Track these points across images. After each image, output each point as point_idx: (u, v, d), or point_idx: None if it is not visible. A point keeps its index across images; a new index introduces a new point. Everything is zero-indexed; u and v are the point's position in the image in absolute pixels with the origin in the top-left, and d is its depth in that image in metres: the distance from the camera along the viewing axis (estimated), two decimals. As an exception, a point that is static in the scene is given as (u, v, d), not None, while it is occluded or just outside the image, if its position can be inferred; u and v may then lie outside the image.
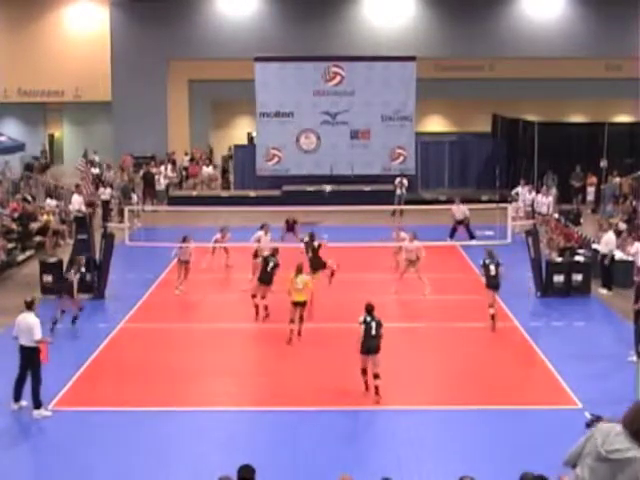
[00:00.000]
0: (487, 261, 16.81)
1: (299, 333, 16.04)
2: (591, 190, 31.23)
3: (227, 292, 19.96)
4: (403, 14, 37.50)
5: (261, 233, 20.02)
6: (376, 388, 12.74)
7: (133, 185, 32.07)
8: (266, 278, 17.21)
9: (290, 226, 23.10)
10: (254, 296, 17.40)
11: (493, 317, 16.47)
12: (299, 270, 16.02)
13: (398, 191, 30.82)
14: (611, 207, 27.03)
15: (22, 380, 12.52)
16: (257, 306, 17.34)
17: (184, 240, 19.82)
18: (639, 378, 12.66)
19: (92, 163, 35.37)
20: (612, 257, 19.61)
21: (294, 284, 15.84)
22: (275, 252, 17.78)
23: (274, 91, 34.67)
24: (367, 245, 22.53)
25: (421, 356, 15.29)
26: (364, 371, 12.86)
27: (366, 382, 12.84)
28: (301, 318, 15.97)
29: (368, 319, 12.91)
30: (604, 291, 19.37)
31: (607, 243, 19.80)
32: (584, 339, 16.16)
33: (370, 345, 12.76)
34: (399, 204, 29.90)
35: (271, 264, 17.19)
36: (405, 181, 31.20)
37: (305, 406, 12.62)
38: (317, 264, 18.50)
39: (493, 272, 16.61)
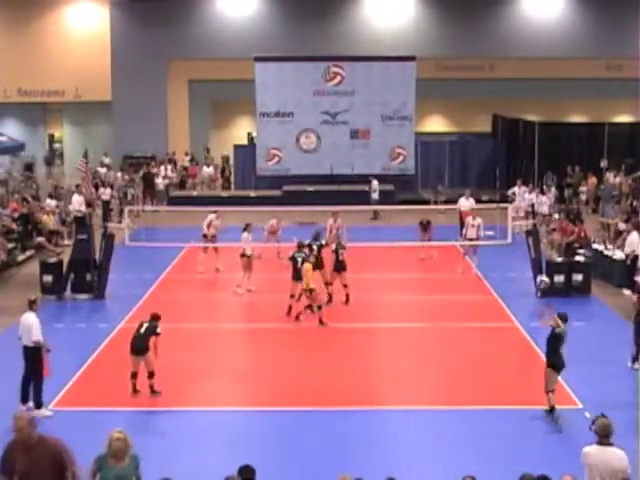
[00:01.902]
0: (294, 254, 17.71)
1: (320, 322, 16.77)
2: (583, 189, 31.14)
3: (229, 292, 19.90)
4: (403, 14, 37.51)
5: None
6: (151, 387, 13.05)
7: (133, 185, 32.10)
8: (298, 275, 17.50)
9: (425, 226, 23.10)
10: (292, 295, 17.57)
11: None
12: (304, 260, 17.03)
13: (375, 195, 30.71)
14: (610, 207, 27.01)
15: (27, 381, 12.46)
16: (291, 306, 17.51)
17: (246, 228, 19.67)
18: None
19: (102, 165, 35.29)
20: (635, 257, 19.08)
21: (305, 271, 16.86)
22: (300, 247, 17.90)
23: (274, 91, 34.72)
24: (367, 245, 22.53)
25: (421, 356, 15.28)
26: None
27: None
28: (309, 307, 16.97)
29: (143, 322, 13.28)
30: (628, 292, 18.53)
31: (630, 244, 19.42)
32: (584, 339, 16.12)
33: (135, 345, 13.00)
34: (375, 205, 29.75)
35: (299, 260, 17.45)
36: (375, 183, 31.01)
37: (305, 406, 12.61)
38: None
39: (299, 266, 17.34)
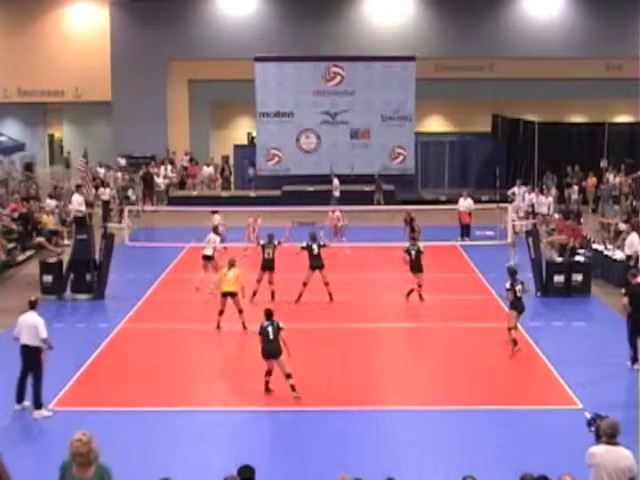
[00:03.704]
0: (409, 248, 18.74)
1: (244, 326, 16.30)
2: (575, 189, 30.93)
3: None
4: (403, 14, 37.54)
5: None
6: (292, 387, 12.78)
7: (133, 185, 32.09)
8: (317, 263, 18.24)
9: (410, 224, 22.82)
10: (305, 284, 18.29)
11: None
12: (231, 265, 16.35)
13: (336, 193, 30.72)
14: (610, 207, 26.98)
15: (24, 380, 12.45)
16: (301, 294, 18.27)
17: (215, 230, 19.83)
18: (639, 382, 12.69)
19: (120, 168, 35.23)
20: (638, 258, 18.80)
21: (225, 276, 16.23)
22: (314, 237, 18.78)
23: (274, 91, 34.73)
24: (366, 245, 22.54)
25: (421, 356, 15.30)
26: (269, 372, 12.90)
27: (267, 382, 12.92)
28: (239, 311, 16.30)
29: (265, 324, 12.92)
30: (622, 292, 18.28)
31: (631, 245, 19.20)
32: (584, 339, 16.17)
33: (269, 349, 12.80)
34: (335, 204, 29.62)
35: (315, 247, 18.25)
36: (337, 181, 31.12)
37: (305, 406, 12.61)
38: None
39: (413, 257, 18.49)
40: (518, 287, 15.18)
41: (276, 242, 18.55)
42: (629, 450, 7.77)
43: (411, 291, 18.41)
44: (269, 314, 13.04)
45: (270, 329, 12.79)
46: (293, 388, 12.76)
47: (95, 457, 6.75)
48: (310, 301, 18.27)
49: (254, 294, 18.30)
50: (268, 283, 18.44)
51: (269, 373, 12.88)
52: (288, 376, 12.73)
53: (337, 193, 30.91)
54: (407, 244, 19.86)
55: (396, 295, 19.35)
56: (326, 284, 18.41)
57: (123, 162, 36.44)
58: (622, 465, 7.63)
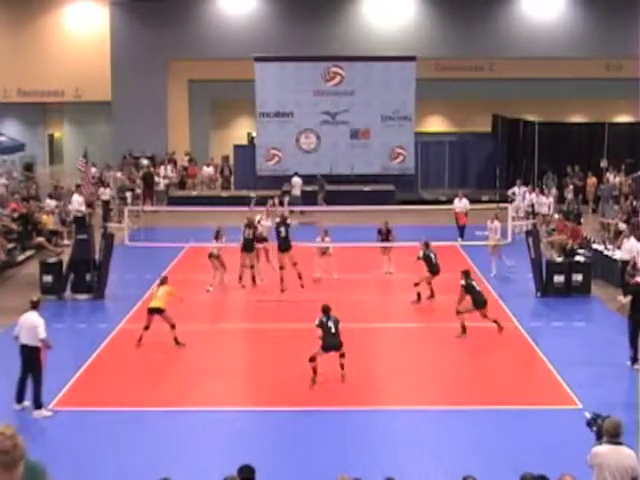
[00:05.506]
0: (427, 252, 18.53)
1: (176, 342, 15.35)
2: (570, 188, 30.76)
3: (227, 292, 19.91)
4: (403, 14, 37.52)
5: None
6: (341, 365, 13.35)
7: (133, 186, 32.06)
8: (285, 245, 18.77)
9: (385, 235, 20.78)
10: (282, 267, 18.82)
11: (419, 295, 18.42)
12: (162, 282, 15.91)
13: (295, 192, 30.82)
14: (610, 207, 26.97)
15: (24, 380, 12.46)
16: (282, 278, 18.78)
17: (217, 235, 19.99)
18: (639, 382, 12.69)
19: (137, 166, 35.11)
20: (635, 263, 18.10)
21: (155, 293, 15.82)
22: (284, 219, 19.33)
23: (274, 91, 34.73)
24: (366, 245, 22.51)
25: (421, 356, 15.29)
26: (313, 358, 13.29)
27: (314, 368, 13.27)
28: (172, 326, 15.33)
29: (324, 319, 13.33)
30: (623, 299, 16.57)
31: (630, 250, 18.76)
32: (584, 339, 16.17)
33: (332, 342, 13.23)
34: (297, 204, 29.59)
35: (282, 229, 18.81)
36: (296, 179, 31.19)
37: (305, 406, 12.61)
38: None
39: (434, 261, 18.44)
40: (468, 281, 16.23)
41: (256, 222, 19.34)
42: (632, 450, 7.78)
43: (419, 296, 18.42)
44: (327, 309, 13.38)
45: (331, 323, 13.14)
46: (343, 377, 13.29)
47: (21, 455, 5.49)
48: (309, 300, 18.25)
49: (240, 279, 19.36)
50: (249, 267, 19.05)
51: (314, 359, 13.25)
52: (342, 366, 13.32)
53: (297, 192, 30.66)
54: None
55: (395, 295, 19.35)
56: (294, 264, 18.85)
57: (145, 162, 36.26)
58: (625, 464, 7.64)
